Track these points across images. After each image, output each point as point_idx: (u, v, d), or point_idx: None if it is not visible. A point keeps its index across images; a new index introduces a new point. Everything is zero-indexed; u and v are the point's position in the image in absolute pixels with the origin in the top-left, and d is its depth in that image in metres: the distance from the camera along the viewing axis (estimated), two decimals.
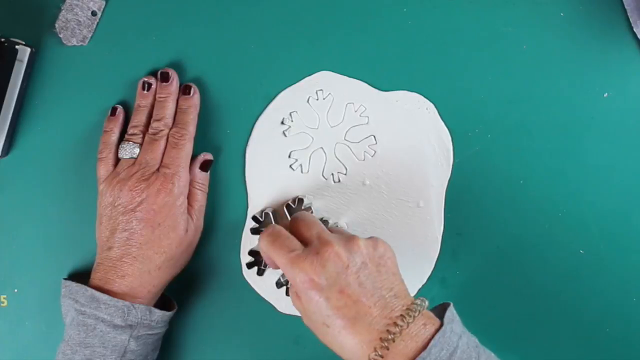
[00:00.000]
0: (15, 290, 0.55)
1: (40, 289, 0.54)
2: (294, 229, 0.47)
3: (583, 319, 0.55)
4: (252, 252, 0.54)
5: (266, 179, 0.55)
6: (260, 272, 0.54)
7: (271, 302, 0.55)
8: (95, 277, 0.49)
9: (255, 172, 0.55)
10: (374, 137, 0.55)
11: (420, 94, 0.55)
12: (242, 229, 0.55)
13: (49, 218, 0.54)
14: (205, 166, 0.53)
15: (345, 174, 0.55)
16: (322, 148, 0.55)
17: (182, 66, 0.54)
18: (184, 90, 0.53)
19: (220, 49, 0.55)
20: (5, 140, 0.53)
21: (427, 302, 0.44)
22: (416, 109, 0.55)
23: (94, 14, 0.54)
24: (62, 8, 0.54)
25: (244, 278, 0.55)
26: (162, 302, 0.53)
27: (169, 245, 0.49)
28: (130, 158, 0.51)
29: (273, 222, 0.54)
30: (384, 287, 0.44)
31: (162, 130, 0.51)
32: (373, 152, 0.55)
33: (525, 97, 0.55)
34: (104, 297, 0.47)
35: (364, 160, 0.55)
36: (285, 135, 0.55)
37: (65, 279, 0.50)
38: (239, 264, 0.55)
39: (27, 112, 0.54)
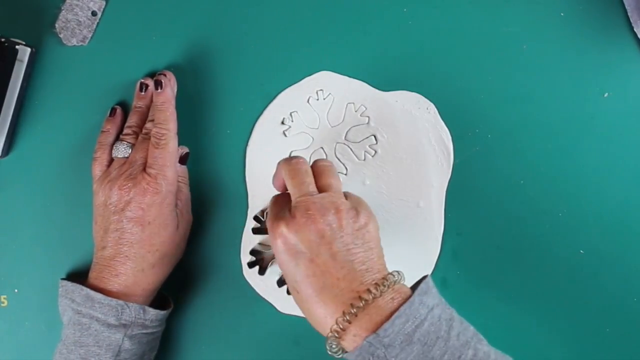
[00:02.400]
0: (16, 290, 0.55)
1: (40, 289, 0.54)
2: (290, 176, 0.46)
3: (583, 319, 0.55)
4: (254, 252, 0.54)
5: (266, 179, 0.55)
6: (261, 272, 0.54)
7: (271, 302, 0.55)
8: (92, 277, 0.49)
9: (255, 172, 0.55)
10: (374, 137, 0.55)
11: (420, 94, 0.55)
12: (242, 229, 0.55)
13: (49, 218, 0.54)
14: (184, 160, 0.53)
15: (345, 174, 0.55)
16: (322, 148, 0.55)
17: (182, 66, 0.54)
18: (155, 84, 0.52)
19: (220, 49, 0.55)
20: (5, 140, 0.53)
21: (401, 276, 0.44)
22: (416, 109, 0.55)
23: (94, 14, 0.54)
24: (62, 8, 0.54)
25: (244, 278, 0.55)
26: (160, 301, 0.53)
27: (162, 243, 0.49)
28: (122, 158, 0.51)
29: None
30: (356, 260, 0.43)
31: None
32: (373, 152, 0.55)
33: (525, 97, 0.55)
34: (98, 296, 0.47)
35: (364, 160, 0.55)
36: (285, 135, 0.55)
37: (63, 278, 0.51)
38: (239, 264, 0.55)
39: (27, 112, 0.54)
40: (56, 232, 0.55)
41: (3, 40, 0.51)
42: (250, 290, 0.55)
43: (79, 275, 0.52)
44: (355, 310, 0.41)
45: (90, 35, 0.54)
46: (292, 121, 0.55)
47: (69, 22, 0.54)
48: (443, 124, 0.55)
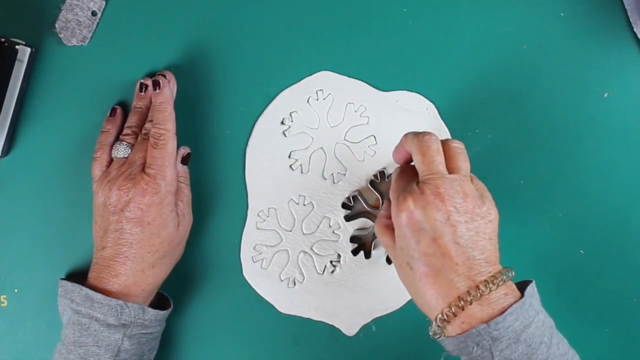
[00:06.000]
0: (15, 290, 0.55)
1: (40, 289, 0.54)
2: (420, 152, 0.45)
3: (583, 319, 0.55)
4: (354, 238, 0.55)
5: (266, 179, 0.55)
6: (368, 256, 0.55)
7: (271, 302, 0.55)
8: (91, 277, 0.49)
9: (255, 172, 0.55)
10: (374, 137, 0.55)
11: (420, 94, 0.55)
12: (242, 229, 0.55)
13: (48, 218, 0.54)
14: (185, 160, 0.53)
15: (345, 174, 0.55)
16: (322, 148, 0.55)
17: (182, 66, 0.54)
18: (153, 85, 0.52)
19: (220, 49, 0.55)
20: (5, 140, 0.53)
21: (513, 273, 0.44)
22: (416, 109, 0.55)
23: (94, 14, 0.54)
24: (62, 8, 0.54)
25: (244, 278, 0.55)
26: (159, 301, 0.53)
27: (161, 243, 0.49)
28: (122, 158, 0.51)
29: (363, 204, 0.54)
30: (476, 249, 0.43)
31: None
32: (373, 152, 0.55)
33: (525, 97, 0.55)
34: (97, 296, 0.47)
35: (363, 160, 0.55)
36: (285, 135, 0.55)
37: (62, 278, 0.50)
38: (239, 264, 0.55)
39: (27, 112, 0.54)
40: (56, 232, 0.54)
41: (3, 40, 0.51)
42: (250, 290, 0.55)
43: (79, 276, 0.52)
44: (470, 298, 0.41)
45: (90, 35, 0.54)
46: (292, 121, 0.55)
47: (69, 22, 0.54)
48: (443, 123, 0.55)
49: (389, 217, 0.47)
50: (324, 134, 0.55)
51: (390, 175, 0.54)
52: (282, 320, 0.55)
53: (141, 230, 0.48)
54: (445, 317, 0.42)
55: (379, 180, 0.54)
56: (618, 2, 0.55)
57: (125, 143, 0.51)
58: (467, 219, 0.43)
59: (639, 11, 0.55)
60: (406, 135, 0.47)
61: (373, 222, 0.54)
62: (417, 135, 0.46)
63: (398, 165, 0.50)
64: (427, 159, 0.45)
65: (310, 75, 0.55)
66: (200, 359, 0.55)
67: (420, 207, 0.43)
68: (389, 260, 0.55)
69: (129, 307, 0.47)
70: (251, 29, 0.55)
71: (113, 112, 0.53)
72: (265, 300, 0.55)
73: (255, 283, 0.55)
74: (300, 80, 0.55)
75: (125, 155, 0.51)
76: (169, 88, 0.52)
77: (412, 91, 0.55)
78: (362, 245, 0.55)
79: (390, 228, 0.47)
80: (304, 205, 0.55)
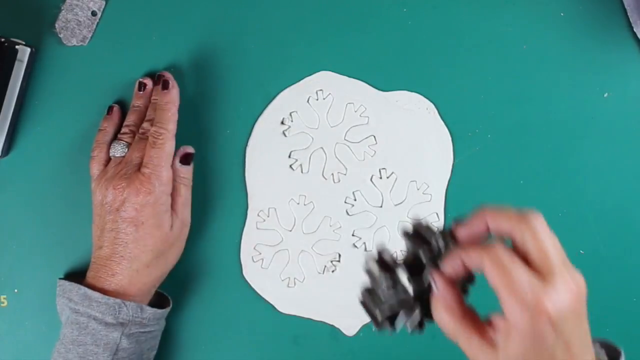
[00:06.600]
0: (15, 290, 0.55)
1: (40, 289, 0.54)
2: (504, 285, 0.37)
3: None
4: (367, 290, 0.40)
5: (266, 179, 0.55)
6: (393, 328, 0.39)
7: (271, 302, 0.55)
8: (89, 276, 0.49)
9: (255, 172, 0.55)
10: (374, 137, 0.55)
11: (420, 94, 0.55)
12: (242, 229, 0.55)
13: (48, 218, 0.54)
14: (186, 159, 0.52)
15: (345, 174, 0.55)
16: (322, 148, 0.55)
17: (181, 66, 0.54)
18: (162, 84, 0.52)
19: (220, 49, 0.55)
20: (5, 140, 0.53)
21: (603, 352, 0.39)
22: (416, 109, 0.55)
23: (94, 14, 0.54)
24: (62, 8, 0.54)
25: (244, 278, 0.55)
26: (159, 300, 0.53)
27: (155, 243, 0.49)
28: (119, 157, 0.51)
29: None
30: (588, 353, 0.39)
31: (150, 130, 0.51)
32: (373, 152, 0.55)
33: (525, 97, 0.55)
34: (95, 294, 0.47)
35: (363, 160, 0.55)
36: (285, 135, 0.55)
37: (61, 278, 0.51)
38: (238, 264, 0.55)
39: (27, 112, 0.54)
40: (56, 232, 0.54)
41: (3, 40, 0.51)
42: (250, 290, 0.55)
43: (78, 275, 0.52)
44: None
45: (90, 35, 0.54)
46: (292, 121, 0.55)
47: (69, 22, 0.54)
48: (443, 123, 0.55)
49: (457, 301, 0.38)
50: (324, 134, 0.55)
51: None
52: (282, 320, 0.55)
53: (136, 230, 0.48)
54: None
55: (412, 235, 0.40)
56: (618, 2, 0.55)
57: (123, 142, 0.51)
58: (577, 323, 0.39)
59: (639, 11, 0.55)
60: (473, 251, 0.38)
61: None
62: (486, 250, 0.37)
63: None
64: (516, 291, 0.36)
65: (310, 75, 0.55)
66: (200, 359, 0.55)
67: (559, 309, 0.37)
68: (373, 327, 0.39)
69: (127, 305, 0.47)
70: (251, 29, 0.55)
71: (110, 110, 0.53)
72: (265, 300, 0.55)
73: (255, 283, 0.55)
74: (300, 80, 0.55)
75: (123, 154, 0.51)
76: (177, 90, 0.52)
77: (412, 91, 0.55)
78: (391, 316, 0.38)
79: (457, 315, 0.38)
80: (304, 205, 0.55)
